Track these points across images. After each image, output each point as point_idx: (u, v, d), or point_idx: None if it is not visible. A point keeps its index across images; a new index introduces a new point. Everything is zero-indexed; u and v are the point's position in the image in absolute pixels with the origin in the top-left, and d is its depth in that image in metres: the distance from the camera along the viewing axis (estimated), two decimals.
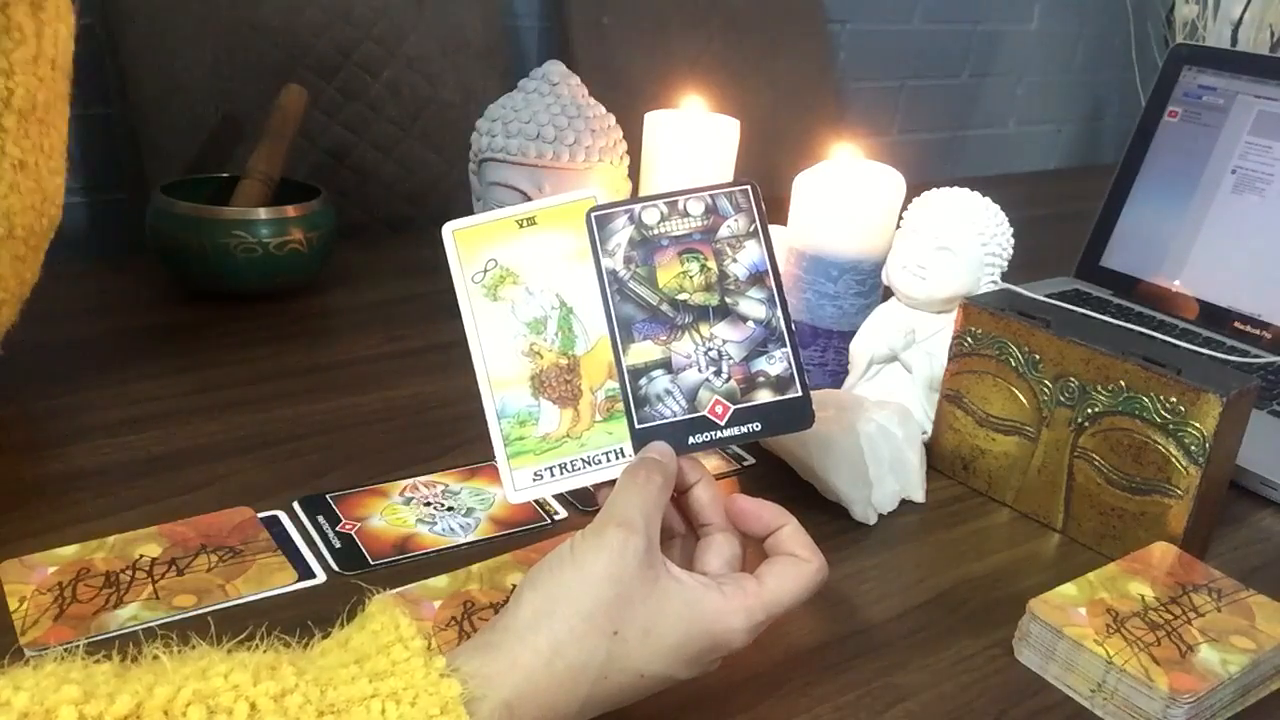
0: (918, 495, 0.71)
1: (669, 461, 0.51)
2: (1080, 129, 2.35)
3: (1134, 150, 1.09)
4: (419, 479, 0.68)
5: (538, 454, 0.54)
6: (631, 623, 0.45)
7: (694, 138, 0.91)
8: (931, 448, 0.74)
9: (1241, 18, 1.68)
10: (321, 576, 0.59)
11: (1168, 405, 0.62)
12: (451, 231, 0.55)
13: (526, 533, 0.64)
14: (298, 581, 0.58)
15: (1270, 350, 0.95)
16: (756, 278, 0.55)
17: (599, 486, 0.54)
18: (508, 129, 0.84)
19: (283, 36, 1.23)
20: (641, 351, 0.54)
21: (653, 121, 0.92)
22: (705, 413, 0.54)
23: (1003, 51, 2.11)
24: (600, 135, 0.85)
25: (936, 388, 0.75)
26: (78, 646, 0.41)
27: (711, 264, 0.55)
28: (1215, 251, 1.02)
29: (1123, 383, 0.64)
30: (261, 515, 0.63)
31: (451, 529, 0.64)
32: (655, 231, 0.55)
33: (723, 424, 0.54)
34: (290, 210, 0.89)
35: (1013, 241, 0.76)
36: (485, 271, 0.55)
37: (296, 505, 0.64)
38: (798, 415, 0.55)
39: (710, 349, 0.54)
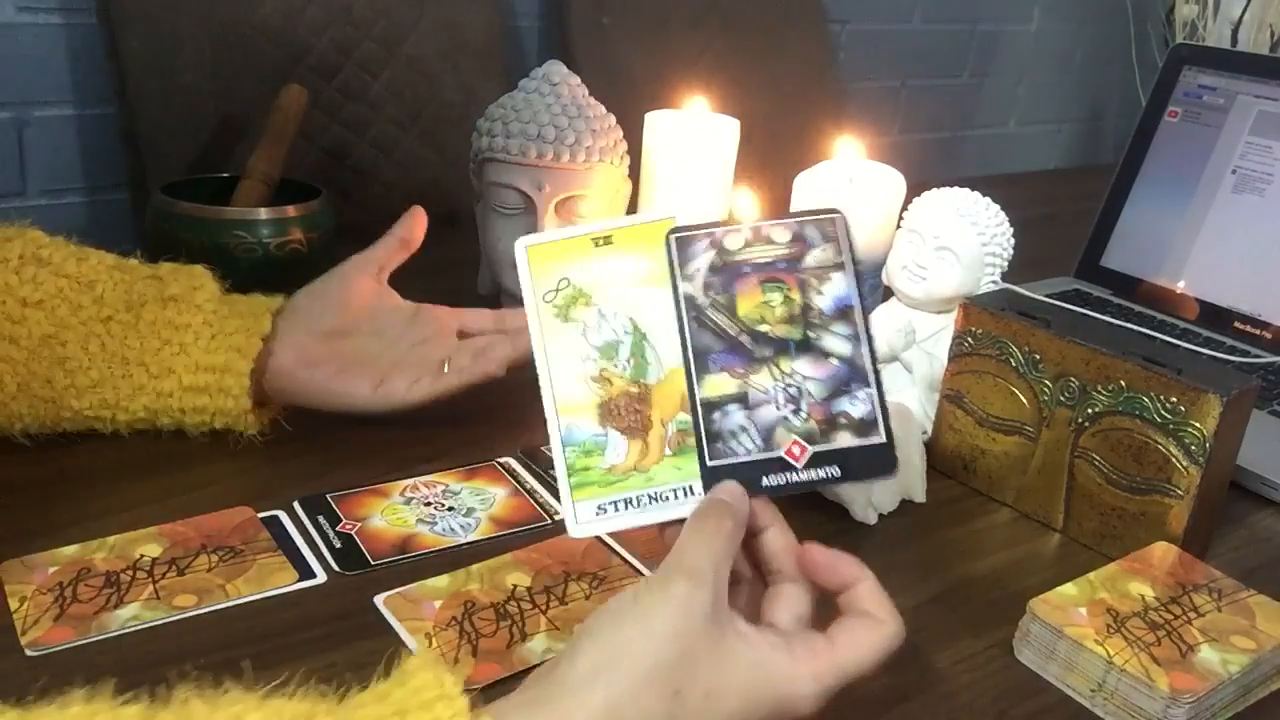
0: (918, 495, 0.71)
1: (740, 505, 0.48)
2: (1080, 129, 2.35)
3: (1134, 150, 1.09)
4: (419, 479, 0.68)
5: (602, 486, 0.51)
6: (694, 683, 0.42)
7: (694, 138, 0.91)
8: (931, 448, 0.74)
9: (1241, 18, 1.68)
10: (322, 576, 0.59)
11: (1168, 405, 0.62)
12: (525, 247, 0.53)
13: (527, 533, 0.64)
14: (298, 581, 0.58)
15: (1270, 350, 0.95)
16: (842, 312, 0.52)
17: (665, 525, 0.51)
18: (508, 129, 0.84)
19: (283, 36, 1.23)
20: (717, 384, 0.51)
21: (653, 121, 0.92)
22: (782, 453, 0.50)
23: (1003, 51, 2.11)
24: (600, 135, 0.85)
25: (936, 388, 0.75)
26: (107, 682, 0.40)
27: (795, 295, 0.52)
28: (1215, 251, 1.02)
29: (1123, 383, 0.64)
30: (261, 515, 0.63)
31: (451, 529, 0.64)
32: (737, 258, 0.52)
33: (800, 466, 0.50)
34: (290, 210, 0.89)
35: (1013, 241, 0.76)
36: (557, 291, 0.52)
37: (296, 505, 0.64)
38: (880, 462, 0.51)
39: (790, 385, 0.51)
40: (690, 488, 0.51)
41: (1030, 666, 0.56)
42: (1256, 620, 0.57)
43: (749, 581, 0.50)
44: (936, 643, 0.58)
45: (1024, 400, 0.69)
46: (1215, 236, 1.02)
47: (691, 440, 0.51)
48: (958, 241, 0.73)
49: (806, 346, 0.51)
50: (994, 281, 0.75)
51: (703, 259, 0.52)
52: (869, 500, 0.67)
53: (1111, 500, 0.66)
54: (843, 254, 0.52)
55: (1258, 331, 0.98)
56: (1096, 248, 1.10)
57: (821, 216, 0.52)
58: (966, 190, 0.76)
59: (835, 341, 0.51)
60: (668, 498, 0.51)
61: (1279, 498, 0.75)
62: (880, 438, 0.51)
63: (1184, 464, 0.62)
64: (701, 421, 0.51)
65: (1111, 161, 1.17)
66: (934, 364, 0.75)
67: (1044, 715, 0.54)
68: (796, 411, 0.51)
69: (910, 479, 0.70)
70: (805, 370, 0.51)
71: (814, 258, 0.52)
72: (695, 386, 0.51)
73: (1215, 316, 1.00)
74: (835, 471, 0.50)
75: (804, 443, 0.50)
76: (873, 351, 0.51)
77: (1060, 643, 0.55)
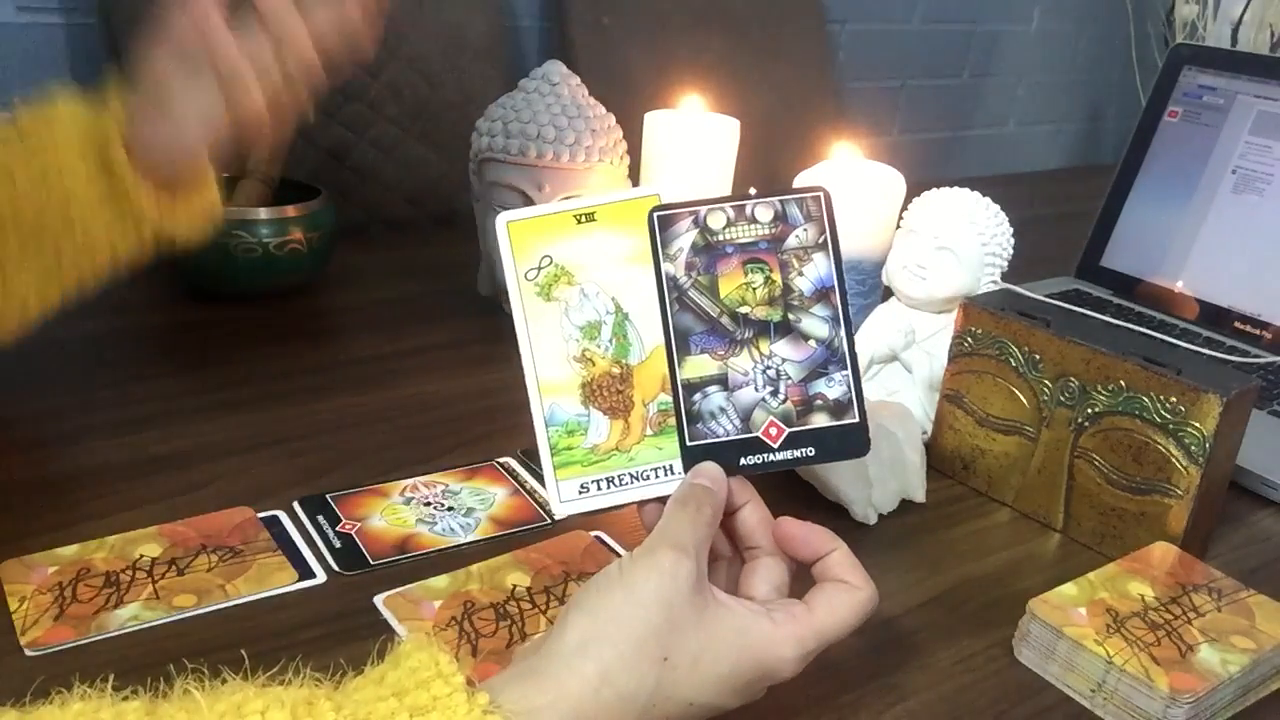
0: (918, 495, 0.71)
1: (720, 489, 0.50)
2: (1080, 129, 2.35)
3: (1134, 150, 1.09)
4: (419, 479, 0.68)
5: (585, 465, 0.52)
6: (682, 650, 0.43)
7: (694, 138, 0.91)
8: (931, 448, 0.74)
9: (1241, 18, 1.67)
10: (321, 576, 0.59)
11: (1168, 405, 0.62)
12: (505, 223, 0.53)
13: (526, 533, 0.64)
14: (298, 581, 0.58)
15: (1270, 350, 0.95)
16: (822, 294, 0.53)
17: (644, 503, 0.52)
18: (508, 129, 0.84)
19: None
20: (698, 365, 0.52)
21: (653, 121, 0.92)
22: (759, 434, 0.52)
23: (1003, 51, 2.10)
24: (600, 135, 0.85)
25: (936, 388, 0.75)
26: (106, 680, 0.40)
27: (776, 276, 0.52)
28: (1215, 251, 1.02)
29: (1123, 383, 0.64)
30: (261, 515, 0.63)
31: (451, 529, 0.64)
32: (720, 237, 0.52)
33: (776, 446, 0.52)
34: (290, 210, 0.89)
35: (1013, 241, 0.76)
36: (539, 269, 0.53)
37: (296, 505, 0.64)
38: (853, 442, 0.52)
39: (769, 367, 0.52)
40: (671, 467, 0.52)
41: (1030, 666, 0.56)
42: (1256, 620, 0.57)
43: (727, 559, 0.52)
44: (936, 643, 0.58)
45: (1024, 400, 0.69)
46: (1215, 236, 1.02)
47: (672, 421, 0.52)
48: (958, 241, 0.73)
49: (786, 328, 0.53)
50: (994, 281, 0.75)
51: (685, 238, 0.53)
52: (869, 500, 0.67)
53: (1111, 500, 0.66)
54: (825, 234, 0.53)
55: (1258, 331, 0.98)
56: (1096, 248, 1.10)
57: (805, 194, 0.53)
58: (966, 190, 0.76)
59: (814, 324, 0.53)
60: (648, 477, 0.52)
61: (1279, 498, 0.75)
62: (855, 418, 0.52)
63: (1184, 464, 0.62)
64: (682, 403, 0.52)
65: (1111, 161, 1.17)
66: (934, 364, 0.75)
67: (1044, 715, 0.54)
68: (775, 393, 0.52)
69: (910, 479, 0.70)
70: (784, 352, 0.52)
71: (796, 238, 0.53)
72: (676, 368, 0.52)
73: (1215, 316, 1.00)
74: (810, 452, 0.52)
75: (781, 424, 0.52)
76: (850, 333, 0.53)
77: (1060, 643, 0.55)
